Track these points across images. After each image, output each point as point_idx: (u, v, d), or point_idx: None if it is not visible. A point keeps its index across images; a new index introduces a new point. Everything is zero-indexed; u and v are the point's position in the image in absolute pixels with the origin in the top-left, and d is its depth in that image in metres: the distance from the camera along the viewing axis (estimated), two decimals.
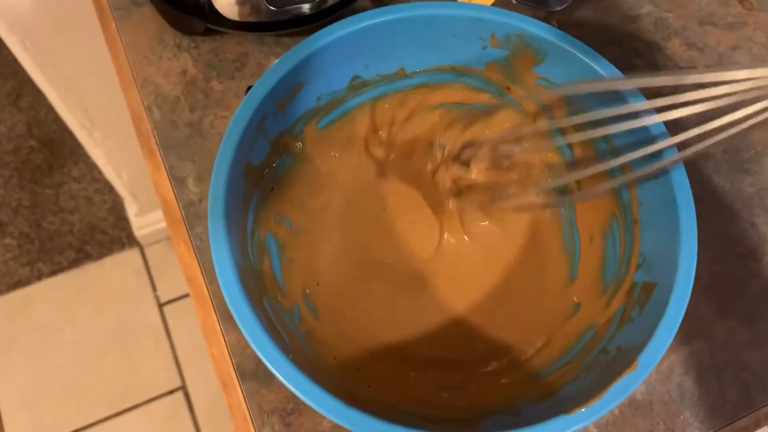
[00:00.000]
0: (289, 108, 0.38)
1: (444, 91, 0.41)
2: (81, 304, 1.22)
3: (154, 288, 1.24)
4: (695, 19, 0.50)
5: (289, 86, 0.37)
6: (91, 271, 1.25)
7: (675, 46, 0.48)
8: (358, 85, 0.40)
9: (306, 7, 0.44)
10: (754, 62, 0.34)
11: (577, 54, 0.37)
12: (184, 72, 0.46)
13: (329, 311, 0.38)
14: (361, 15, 0.37)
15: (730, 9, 0.50)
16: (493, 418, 0.34)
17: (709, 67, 0.29)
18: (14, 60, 0.79)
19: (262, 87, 0.35)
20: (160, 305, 1.22)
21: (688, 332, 0.39)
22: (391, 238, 0.41)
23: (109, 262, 1.25)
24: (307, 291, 0.38)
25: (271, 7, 0.43)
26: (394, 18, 0.38)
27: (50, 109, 1.33)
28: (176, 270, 1.24)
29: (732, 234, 0.43)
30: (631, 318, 0.34)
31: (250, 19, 0.44)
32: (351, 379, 0.35)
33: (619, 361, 0.31)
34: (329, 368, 0.35)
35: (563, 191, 0.41)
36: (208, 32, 0.46)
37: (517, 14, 0.38)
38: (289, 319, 0.35)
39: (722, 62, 0.48)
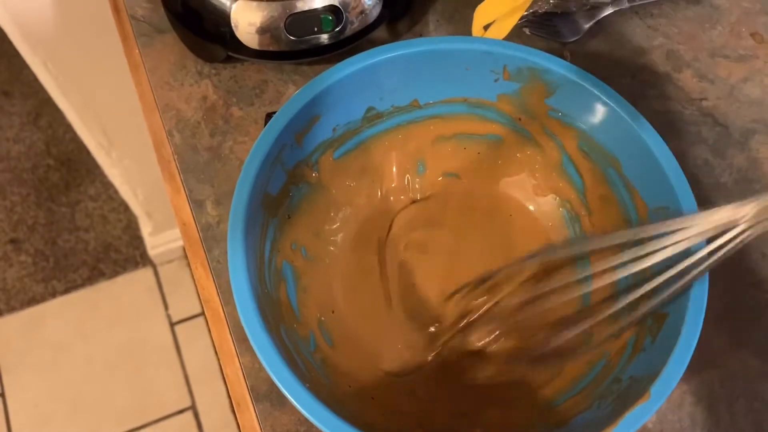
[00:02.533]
0: (305, 139, 0.39)
1: (457, 122, 0.42)
2: (94, 321, 1.23)
3: (166, 307, 1.24)
4: (706, 51, 0.50)
5: (306, 118, 0.38)
6: (104, 289, 1.26)
7: (686, 78, 0.49)
8: (372, 116, 0.41)
9: (324, 37, 0.45)
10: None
11: (588, 87, 0.38)
12: (205, 98, 0.47)
13: (344, 339, 0.38)
14: (376, 49, 0.38)
15: (741, 42, 0.51)
16: None
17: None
18: (35, 80, 0.81)
19: (280, 120, 0.36)
20: (172, 324, 1.23)
21: (699, 362, 0.39)
22: (403, 269, 0.41)
23: (122, 280, 1.27)
24: (323, 318, 0.38)
25: (291, 37, 0.44)
26: (408, 52, 0.39)
27: (68, 128, 1.35)
28: (188, 290, 1.25)
29: (744, 265, 0.43)
30: (644, 347, 0.34)
31: (270, 48, 0.45)
32: (366, 408, 0.35)
33: (632, 391, 0.32)
34: (344, 396, 0.35)
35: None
36: (228, 60, 0.47)
37: (528, 48, 0.39)
38: (305, 347, 0.36)
39: (733, 94, 0.48)
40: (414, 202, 0.43)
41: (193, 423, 1.15)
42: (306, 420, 0.37)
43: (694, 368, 0.39)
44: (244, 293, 0.32)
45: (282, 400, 0.38)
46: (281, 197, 0.38)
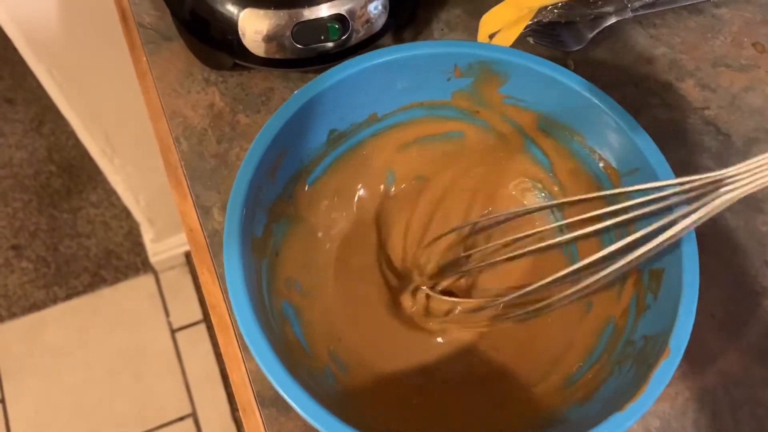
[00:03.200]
0: (278, 174, 0.38)
1: (416, 127, 0.42)
2: (95, 328, 1.23)
3: (167, 314, 1.25)
4: (708, 60, 0.51)
5: (275, 155, 0.37)
6: (105, 295, 1.26)
7: (688, 87, 0.49)
8: (335, 138, 0.41)
9: (330, 45, 0.45)
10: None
11: (537, 68, 0.38)
12: (212, 105, 0.47)
13: (356, 365, 0.38)
14: (326, 74, 0.38)
15: (743, 51, 0.51)
16: (545, 430, 0.34)
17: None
18: (38, 86, 0.81)
19: (250, 163, 0.35)
20: (173, 331, 1.23)
21: (703, 369, 0.40)
22: (390, 286, 0.42)
23: (123, 287, 1.27)
24: (332, 348, 0.38)
25: (298, 45, 0.45)
26: (356, 71, 0.38)
27: (71, 135, 1.36)
28: (189, 296, 1.25)
29: (746, 272, 0.43)
30: (647, 305, 0.34)
31: (277, 56, 0.45)
32: (372, 412, 0.35)
33: (649, 350, 0.32)
34: (349, 400, 0.35)
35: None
36: (235, 67, 0.48)
37: (473, 42, 0.40)
38: (325, 382, 0.35)
39: (735, 103, 0.49)
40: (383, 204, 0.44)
41: (194, 430, 1.15)
42: (311, 427, 0.38)
43: (698, 375, 0.40)
44: (263, 348, 0.31)
45: (288, 405, 0.38)
46: (266, 237, 0.37)
